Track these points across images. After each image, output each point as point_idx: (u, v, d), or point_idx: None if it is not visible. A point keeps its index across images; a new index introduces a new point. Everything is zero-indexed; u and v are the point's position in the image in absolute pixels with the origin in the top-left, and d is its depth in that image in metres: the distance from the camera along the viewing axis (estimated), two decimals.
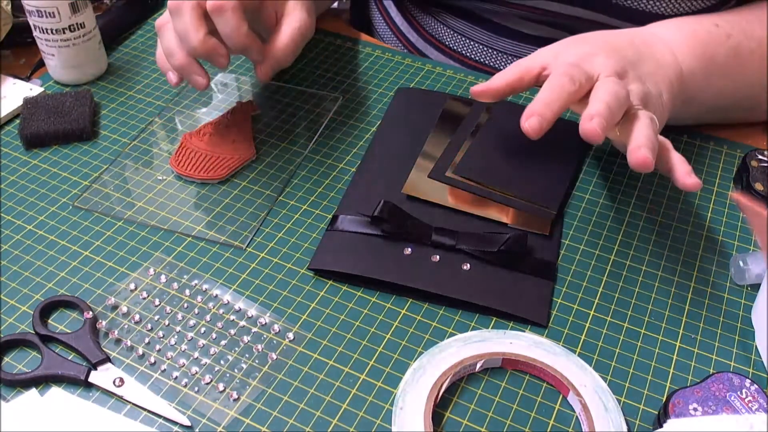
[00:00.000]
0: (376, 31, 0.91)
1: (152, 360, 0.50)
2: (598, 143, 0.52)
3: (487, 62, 0.78)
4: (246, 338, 0.51)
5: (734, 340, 0.53)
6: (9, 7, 0.73)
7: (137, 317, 0.52)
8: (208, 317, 0.52)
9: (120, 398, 0.48)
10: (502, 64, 0.77)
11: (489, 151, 0.65)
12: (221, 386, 0.48)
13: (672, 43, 0.62)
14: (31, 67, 0.75)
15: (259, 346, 0.51)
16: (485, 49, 0.77)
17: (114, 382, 0.48)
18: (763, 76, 0.65)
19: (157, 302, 0.53)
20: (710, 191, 0.64)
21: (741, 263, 0.56)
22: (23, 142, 0.65)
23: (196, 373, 0.49)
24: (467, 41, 0.78)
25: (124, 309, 0.53)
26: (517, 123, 0.69)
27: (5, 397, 0.48)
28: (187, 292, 0.54)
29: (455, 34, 0.79)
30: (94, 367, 0.49)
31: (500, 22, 0.76)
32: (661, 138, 0.55)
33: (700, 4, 0.67)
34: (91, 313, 0.52)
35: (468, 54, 0.79)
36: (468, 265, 0.55)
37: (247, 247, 0.58)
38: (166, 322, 0.52)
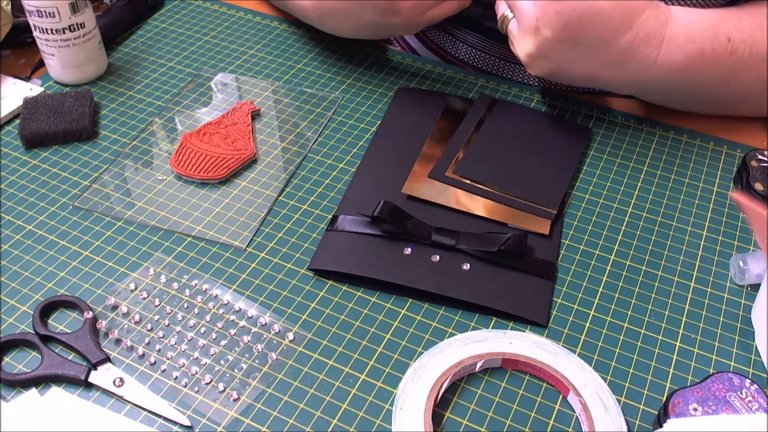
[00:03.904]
0: None
1: (152, 360, 0.50)
2: None
3: (490, 70, 0.78)
4: (246, 338, 0.51)
5: (734, 340, 0.53)
6: (9, 7, 0.73)
7: (137, 317, 0.52)
8: (208, 317, 0.52)
9: (120, 398, 0.48)
10: (507, 71, 0.77)
11: (489, 151, 0.65)
12: (221, 386, 0.48)
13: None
14: (31, 67, 0.75)
15: (259, 346, 0.51)
16: (488, 57, 0.77)
17: (114, 382, 0.48)
18: (760, 84, 0.65)
19: (157, 302, 0.53)
20: (710, 191, 0.64)
21: (741, 263, 0.56)
22: (23, 142, 0.65)
23: (196, 373, 0.49)
24: (470, 49, 0.78)
25: (124, 309, 0.53)
26: (518, 123, 0.69)
27: (5, 397, 0.48)
28: (187, 292, 0.54)
29: (458, 42, 0.79)
30: (94, 367, 0.49)
31: None
32: None
33: (713, 3, 0.67)
34: (91, 313, 0.52)
35: (472, 62, 0.79)
36: (468, 265, 0.55)
37: (247, 247, 0.58)
38: (166, 322, 0.52)
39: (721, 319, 0.54)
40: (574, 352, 0.51)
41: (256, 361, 0.50)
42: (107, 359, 0.49)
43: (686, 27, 0.62)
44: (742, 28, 0.63)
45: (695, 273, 0.57)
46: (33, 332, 0.51)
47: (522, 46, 0.62)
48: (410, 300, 0.54)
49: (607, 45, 0.60)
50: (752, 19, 0.63)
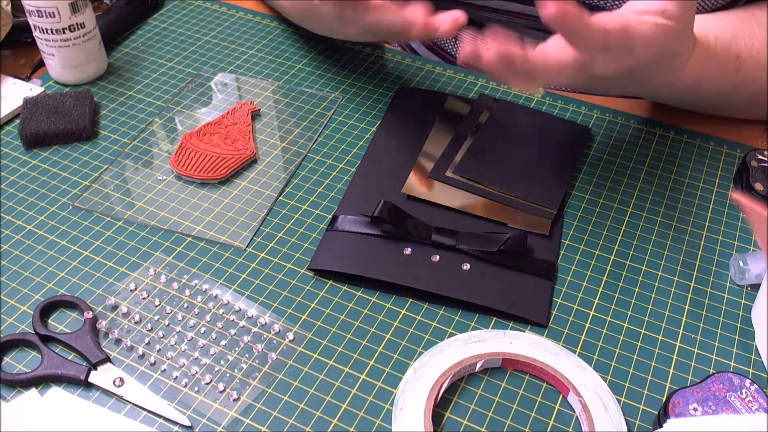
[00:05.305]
0: None
1: (152, 360, 0.50)
2: None
3: None
4: (246, 338, 0.51)
5: (734, 340, 0.53)
6: (9, 7, 0.73)
7: (137, 317, 0.52)
8: (208, 317, 0.52)
9: (120, 398, 0.48)
10: None
11: (489, 151, 0.65)
12: (221, 386, 0.48)
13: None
14: (31, 67, 0.75)
15: (259, 346, 0.51)
16: None
17: (114, 382, 0.48)
18: (761, 96, 0.65)
19: (157, 302, 0.53)
20: (710, 191, 0.64)
21: (741, 263, 0.56)
22: (23, 142, 0.65)
23: (196, 373, 0.49)
24: None
25: (124, 309, 0.53)
26: (518, 123, 0.69)
27: (5, 397, 0.48)
28: (187, 292, 0.54)
29: (458, 42, 0.79)
30: (94, 367, 0.49)
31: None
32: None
33: (714, 4, 0.67)
34: (91, 313, 0.52)
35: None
36: (468, 265, 0.55)
37: (247, 247, 0.58)
38: (166, 322, 0.52)
39: (721, 319, 0.54)
40: (574, 352, 0.51)
41: (256, 361, 0.50)
42: (107, 359, 0.49)
43: (705, 50, 0.61)
44: (753, 43, 0.63)
45: (695, 273, 0.57)
46: (33, 332, 0.51)
47: (562, 78, 0.56)
48: (410, 300, 0.54)
49: (644, 79, 0.59)
50: (761, 31, 0.63)
